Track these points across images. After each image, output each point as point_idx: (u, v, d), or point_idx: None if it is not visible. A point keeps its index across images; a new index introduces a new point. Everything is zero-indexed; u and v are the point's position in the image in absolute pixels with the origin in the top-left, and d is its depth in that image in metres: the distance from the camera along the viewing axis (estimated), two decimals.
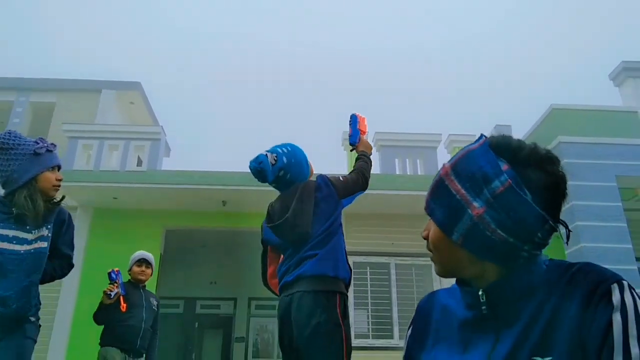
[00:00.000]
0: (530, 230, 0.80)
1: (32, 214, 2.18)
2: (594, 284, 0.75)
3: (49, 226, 2.28)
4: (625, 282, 0.75)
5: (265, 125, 47.21)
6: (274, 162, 2.36)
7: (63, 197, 2.38)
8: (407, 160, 8.52)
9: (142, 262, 4.28)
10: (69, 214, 2.47)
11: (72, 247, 2.48)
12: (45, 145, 2.25)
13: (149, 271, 4.30)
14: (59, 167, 2.32)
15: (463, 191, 0.83)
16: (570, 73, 48.92)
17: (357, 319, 7.99)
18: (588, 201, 6.10)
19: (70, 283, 7.65)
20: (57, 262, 2.40)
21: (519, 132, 10.51)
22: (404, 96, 49.23)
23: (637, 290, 0.75)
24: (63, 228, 2.39)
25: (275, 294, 2.43)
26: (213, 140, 46.81)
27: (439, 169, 0.90)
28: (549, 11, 47.18)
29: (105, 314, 3.94)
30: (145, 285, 4.33)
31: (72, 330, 7.55)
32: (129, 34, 48.62)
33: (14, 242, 2.16)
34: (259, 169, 2.33)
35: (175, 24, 49.24)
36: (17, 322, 2.16)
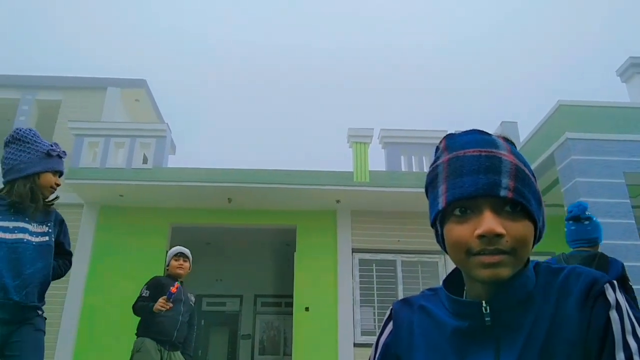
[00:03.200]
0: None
1: (29, 203, 2.26)
2: (587, 285, 0.76)
3: (49, 224, 2.37)
4: (615, 282, 0.77)
5: (272, 125, 47.30)
6: None
7: (57, 197, 2.48)
8: (412, 157, 8.49)
9: (180, 256, 4.27)
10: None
11: (70, 245, 2.60)
12: (58, 151, 2.40)
13: (187, 265, 4.27)
14: (60, 174, 2.45)
15: (536, 182, 0.83)
16: (577, 70, 48.63)
17: (364, 316, 8.00)
18: (596, 198, 6.05)
19: (77, 280, 7.71)
20: (61, 260, 2.48)
21: (526, 129, 10.45)
22: (410, 94, 49.14)
23: None
24: (63, 227, 2.49)
25: None
26: (220, 138, 46.91)
27: (498, 153, 0.80)
28: (556, 7, 46.94)
29: (147, 312, 3.95)
30: (183, 281, 4.28)
31: (80, 326, 7.60)
32: (137, 34, 48.82)
33: (16, 231, 2.22)
34: None
35: (185, 26, 49.39)
36: (25, 313, 2.18)
